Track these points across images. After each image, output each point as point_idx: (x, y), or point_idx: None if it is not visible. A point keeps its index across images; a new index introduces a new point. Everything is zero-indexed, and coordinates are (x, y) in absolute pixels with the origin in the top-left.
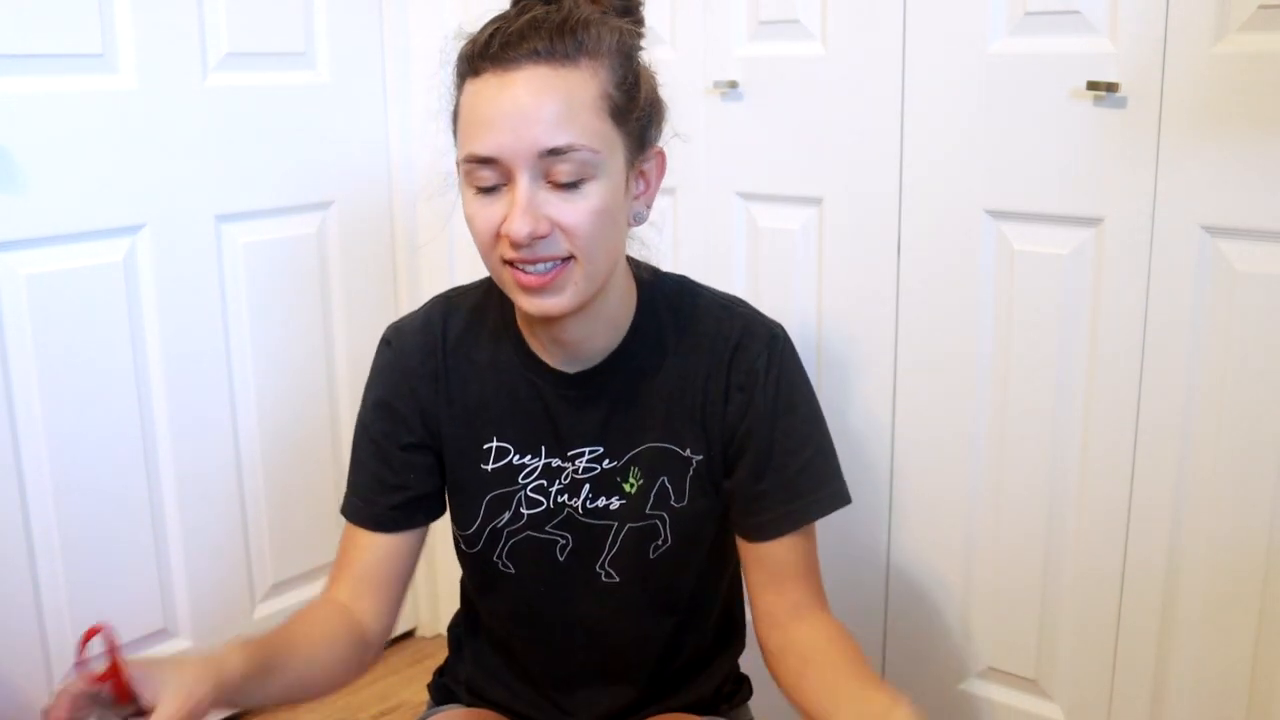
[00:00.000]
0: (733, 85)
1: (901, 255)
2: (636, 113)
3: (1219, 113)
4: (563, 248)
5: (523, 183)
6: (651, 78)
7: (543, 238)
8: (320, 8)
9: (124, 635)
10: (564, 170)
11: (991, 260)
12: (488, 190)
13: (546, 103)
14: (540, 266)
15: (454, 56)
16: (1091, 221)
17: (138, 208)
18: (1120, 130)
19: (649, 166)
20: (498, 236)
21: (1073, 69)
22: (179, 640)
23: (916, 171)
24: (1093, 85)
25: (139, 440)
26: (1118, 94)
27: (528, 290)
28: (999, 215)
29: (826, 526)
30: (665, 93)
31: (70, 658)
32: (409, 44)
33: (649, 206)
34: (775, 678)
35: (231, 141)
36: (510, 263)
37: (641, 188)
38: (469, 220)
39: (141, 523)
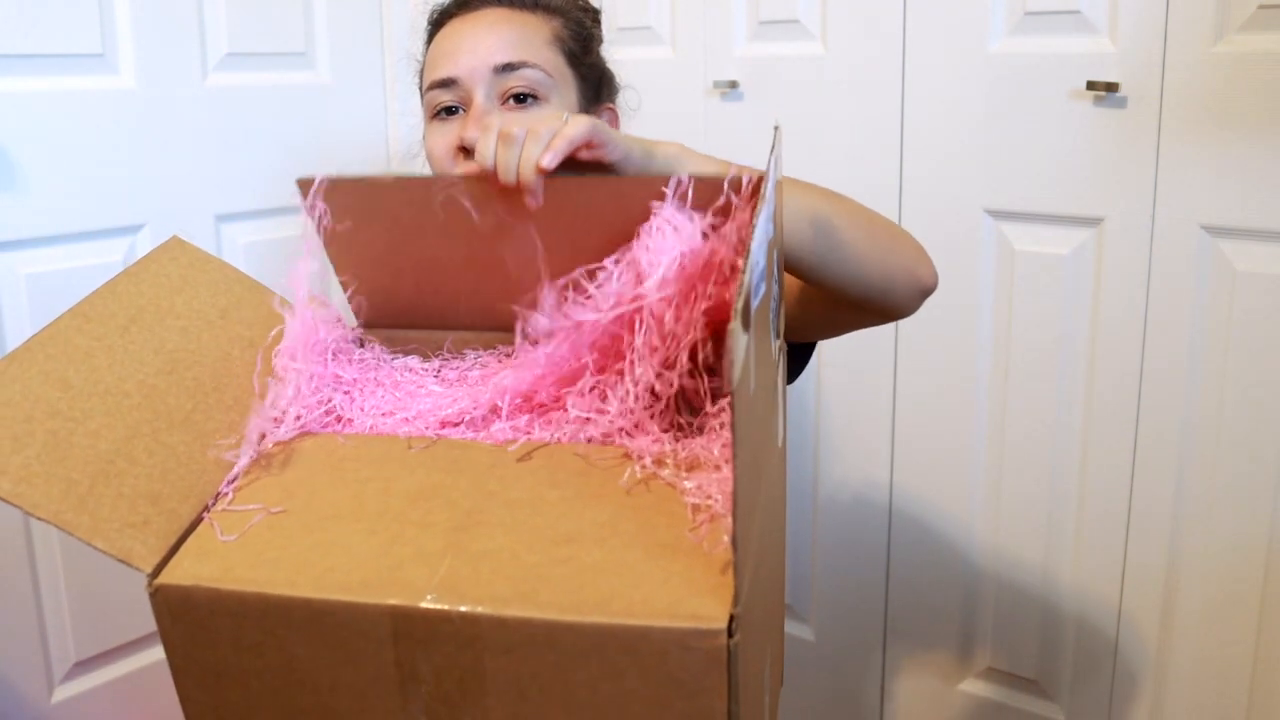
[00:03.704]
0: (733, 85)
1: None
2: (590, 60)
3: (1219, 113)
4: None
5: (478, 97)
6: (603, 56)
7: None
8: (320, 8)
9: (123, 635)
10: (517, 88)
11: (991, 260)
12: (447, 114)
13: (501, 31)
14: None
15: (425, 24)
16: (1091, 221)
17: (138, 208)
18: (1120, 130)
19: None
20: (454, 155)
21: (1073, 69)
22: None
23: (916, 171)
24: (1093, 85)
25: None
26: (1118, 94)
27: None
28: (999, 215)
29: (827, 527)
30: (665, 93)
31: (69, 658)
32: (409, 44)
33: None
34: None
35: (231, 141)
36: None
37: None
38: (429, 151)
39: None
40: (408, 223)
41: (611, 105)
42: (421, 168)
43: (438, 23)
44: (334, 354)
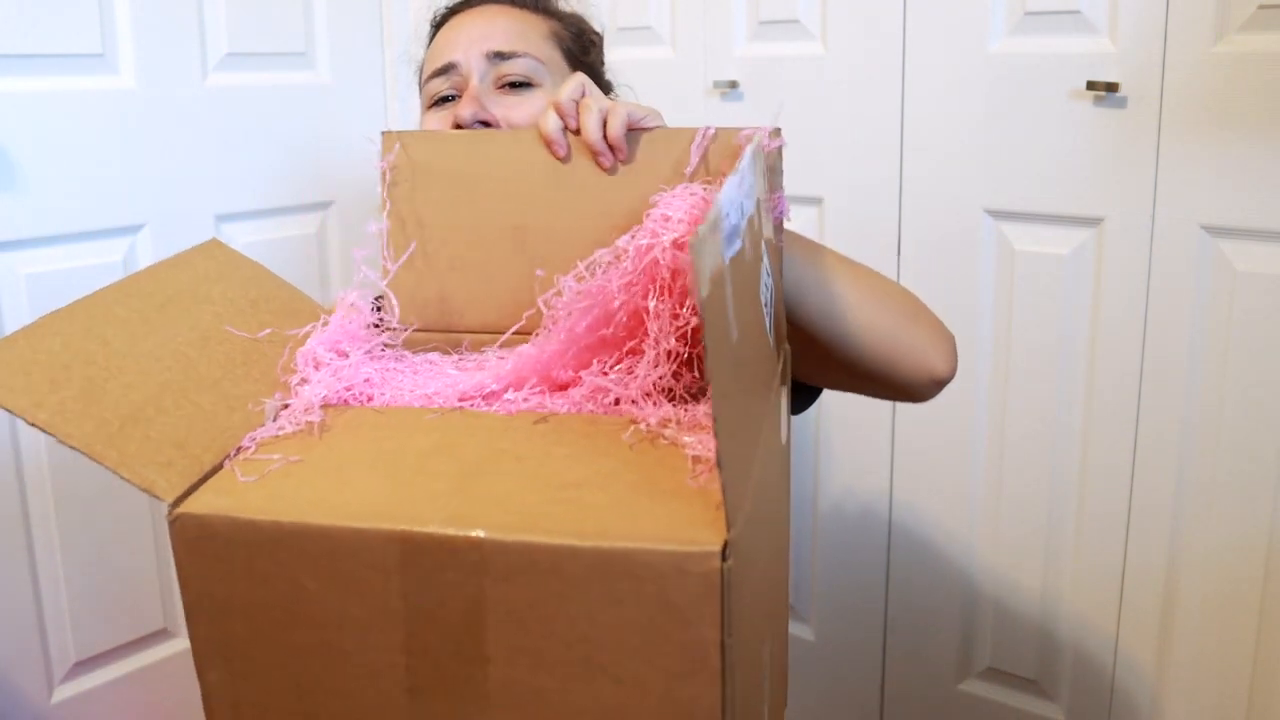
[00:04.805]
0: (733, 85)
1: (901, 255)
2: (588, 60)
3: (1219, 113)
4: None
5: (473, 80)
6: (603, 64)
7: (487, 125)
8: (320, 8)
9: (123, 635)
10: (511, 73)
11: (991, 260)
12: (444, 101)
13: (499, 22)
14: None
15: (428, 26)
16: (1091, 221)
17: (138, 208)
18: (1120, 130)
19: None
20: None
21: (1073, 69)
22: (180, 640)
23: (916, 171)
24: (1093, 85)
25: None
26: (1118, 94)
27: None
28: (999, 215)
29: (827, 527)
30: (665, 93)
31: (69, 658)
32: (409, 45)
33: None
34: None
35: (231, 141)
36: None
37: None
38: None
39: (144, 528)
40: (466, 178)
41: None
42: None
43: (439, 24)
44: (362, 353)
